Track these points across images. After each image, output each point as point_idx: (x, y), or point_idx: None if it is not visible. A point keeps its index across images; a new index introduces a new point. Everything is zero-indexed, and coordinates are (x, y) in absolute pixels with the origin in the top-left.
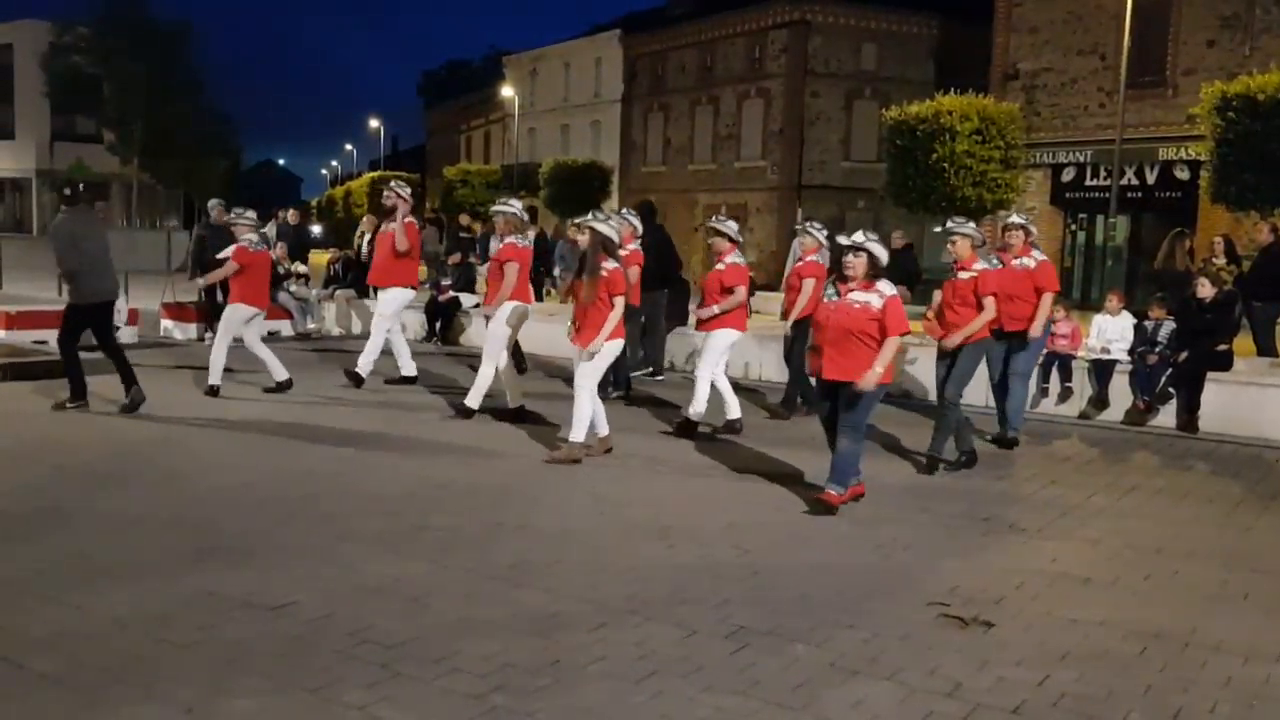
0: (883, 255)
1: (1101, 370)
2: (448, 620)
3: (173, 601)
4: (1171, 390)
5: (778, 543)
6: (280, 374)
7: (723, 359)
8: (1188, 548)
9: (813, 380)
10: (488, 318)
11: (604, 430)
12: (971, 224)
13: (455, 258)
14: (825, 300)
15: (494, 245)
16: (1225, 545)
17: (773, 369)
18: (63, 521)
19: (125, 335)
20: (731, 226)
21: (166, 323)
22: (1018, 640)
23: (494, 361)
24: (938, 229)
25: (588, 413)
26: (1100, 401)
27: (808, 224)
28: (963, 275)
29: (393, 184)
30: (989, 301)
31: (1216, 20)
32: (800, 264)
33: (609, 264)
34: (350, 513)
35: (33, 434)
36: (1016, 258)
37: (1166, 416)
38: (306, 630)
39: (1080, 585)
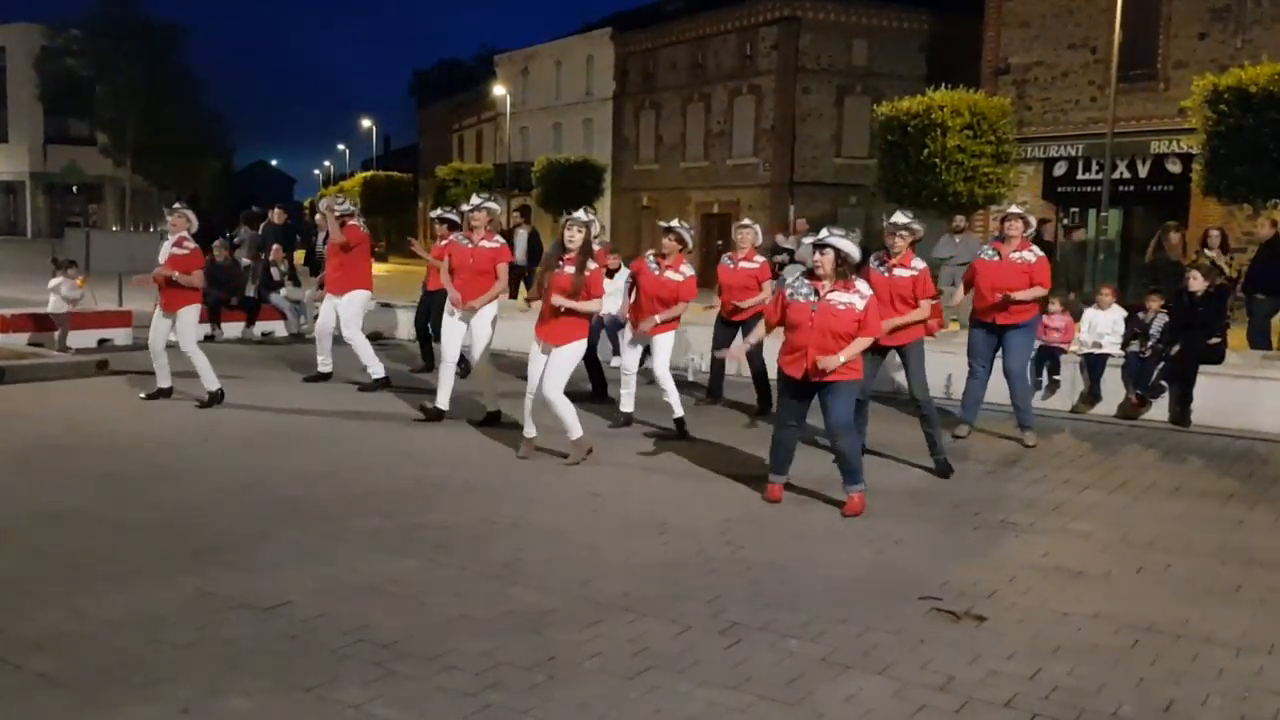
0: (851, 251)
1: (1094, 364)
2: (443, 618)
3: (168, 602)
4: (1164, 384)
5: (771, 539)
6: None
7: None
8: (1180, 541)
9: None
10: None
11: (531, 432)
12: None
13: None
14: (800, 300)
15: (479, 244)
16: (1218, 538)
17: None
18: (59, 523)
19: (119, 338)
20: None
21: None
22: (1010, 634)
23: (487, 360)
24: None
25: (571, 409)
26: (1093, 396)
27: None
28: (901, 273)
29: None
30: (927, 303)
31: (1207, 12)
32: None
33: (593, 263)
34: (345, 513)
35: (29, 436)
36: (1016, 251)
37: (1159, 410)
38: (302, 629)
39: (1072, 579)
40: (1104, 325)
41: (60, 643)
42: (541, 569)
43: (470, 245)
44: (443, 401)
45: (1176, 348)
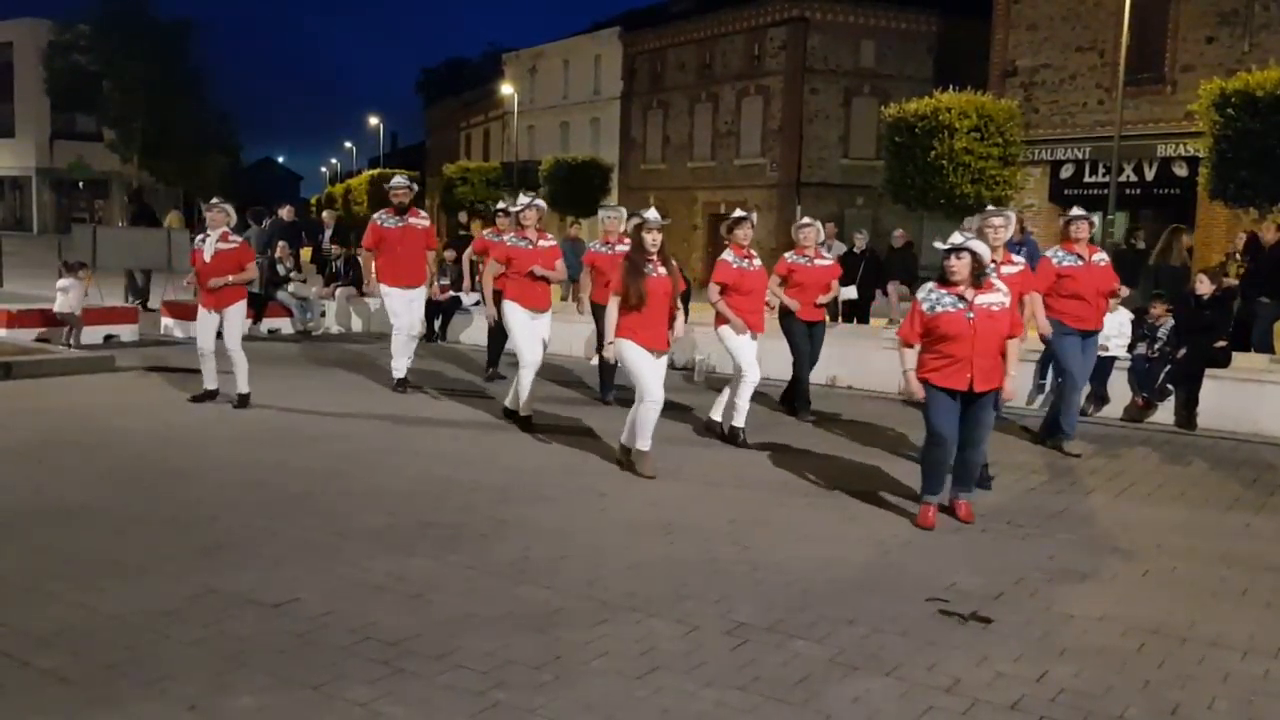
0: (985, 254)
1: (1100, 367)
2: (449, 617)
3: (175, 599)
4: (1170, 387)
5: (778, 540)
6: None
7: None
8: (1186, 544)
9: (935, 393)
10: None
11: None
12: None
13: (451, 254)
14: (950, 310)
15: (538, 245)
16: (1223, 541)
17: (781, 367)
18: (66, 519)
19: (125, 334)
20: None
21: (167, 321)
22: (1017, 636)
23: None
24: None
25: None
26: (1099, 398)
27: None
28: (1007, 270)
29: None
30: (1029, 299)
31: (1215, 17)
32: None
33: (672, 260)
34: (352, 510)
35: (36, 433)
36: (1094, 254)
37: (1165, 413)
38: (309, 627)
39: (1079, 581)
40: (1111, 328)
41: (66, 639)
42: (548, 568)
43: (530, 246)
44: (523, 405)
45: (1183, 351)
